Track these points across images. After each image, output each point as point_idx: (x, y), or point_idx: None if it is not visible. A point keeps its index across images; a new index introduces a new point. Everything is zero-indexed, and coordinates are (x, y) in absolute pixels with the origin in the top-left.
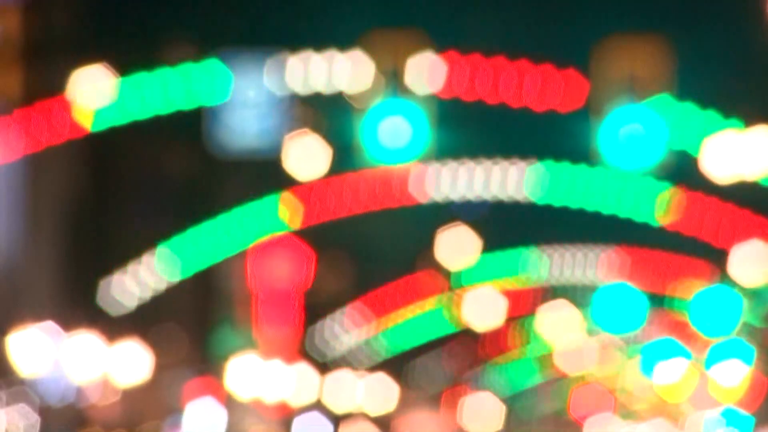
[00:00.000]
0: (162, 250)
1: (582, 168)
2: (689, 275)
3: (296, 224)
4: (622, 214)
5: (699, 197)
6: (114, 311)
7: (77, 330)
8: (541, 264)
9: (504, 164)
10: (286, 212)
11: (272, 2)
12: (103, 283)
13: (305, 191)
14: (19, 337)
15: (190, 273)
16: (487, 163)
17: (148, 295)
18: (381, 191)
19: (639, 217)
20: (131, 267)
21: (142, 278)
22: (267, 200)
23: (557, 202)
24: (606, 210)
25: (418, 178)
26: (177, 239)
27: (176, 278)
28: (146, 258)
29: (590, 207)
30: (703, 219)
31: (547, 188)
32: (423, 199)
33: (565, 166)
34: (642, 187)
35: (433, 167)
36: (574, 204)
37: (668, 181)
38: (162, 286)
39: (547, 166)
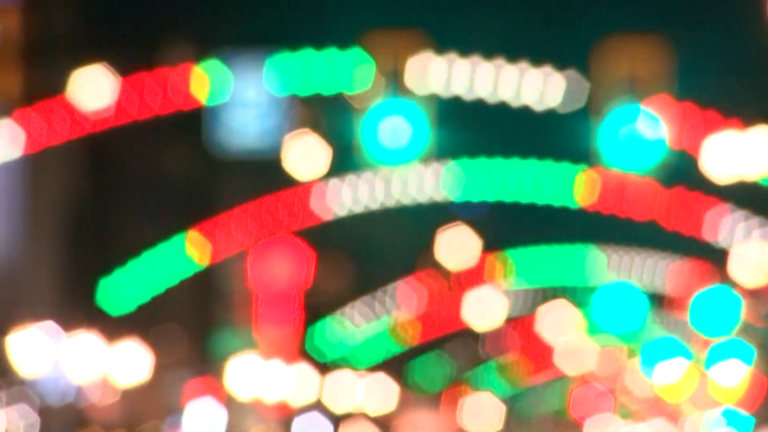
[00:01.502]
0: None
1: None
2: (689, 275)
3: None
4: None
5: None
6: (114, 311)
7: (77, 330)
8: (542, 264)
9: (504, 162)
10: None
11: (272, 2)
12: (103, 283)
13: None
14: (19, 337)
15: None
16: (487, 161)
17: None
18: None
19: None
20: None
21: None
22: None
23: (557, 202)
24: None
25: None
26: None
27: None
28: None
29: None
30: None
31: (547, 188)
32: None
33: (566, 166)
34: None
35: (433, 167)
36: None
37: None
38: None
39: (548, 167)
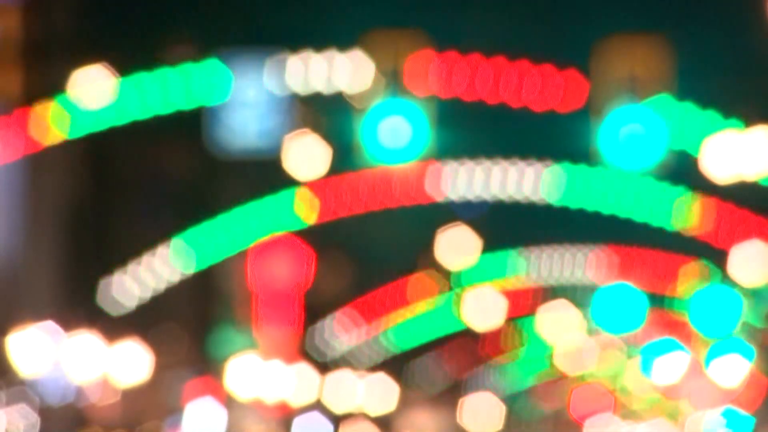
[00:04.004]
0: (175, 243)
1: (582, 168)
2: (689, 275)
3: (311, 220)
4: (622, 214)
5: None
6: (114, 311)
7: (77, 330)
8: (540, 264)
9: (504, 164)
10: (301, 207)
11: (272, 2)
12: (103, 283)
13: (319, 187)
14: (19, 337)
15: (202, 266)
16: (487, 163)
17: (148, 295)
18: (381, 191)
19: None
20: (131, 267)
21: (142, 278)
22: (281, 196)
23: (557, 202)
24: (606, 210)
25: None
26: (190, 233)
27: (188, 272)
28: (146, 258)
29: (590, 207)
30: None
31: (547, 188)
32: (436, 199)
33: (566, 166)
34: (644, 188)
35: (436, 167)
36: (573, 204)
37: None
38: (162, 286)
39: (548, 167)
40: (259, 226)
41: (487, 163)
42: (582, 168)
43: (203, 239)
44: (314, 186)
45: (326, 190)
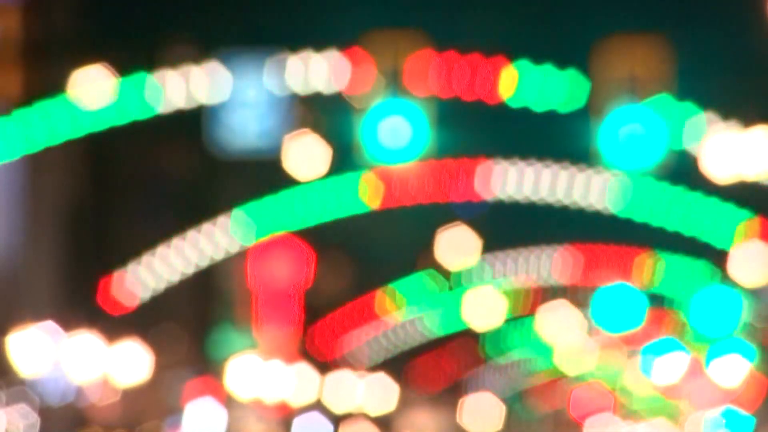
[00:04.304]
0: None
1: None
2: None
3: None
4: (622, 214)
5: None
6: (114, 311)
7: (77, 330)
8: (540, 264)
9: (504, 164)
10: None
11: (272, 2)
12: (103, 283)
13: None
14: (19, 337)
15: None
16: (487, 163)
17: (148, 295)
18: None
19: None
20: (131, 267)
21: (142, 278)
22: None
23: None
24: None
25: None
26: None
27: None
28: (146, 258)
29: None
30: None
31: (548, 188)
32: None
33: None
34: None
35: (439, 166)
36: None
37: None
38: (162, 286)
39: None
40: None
41: (487, 163)
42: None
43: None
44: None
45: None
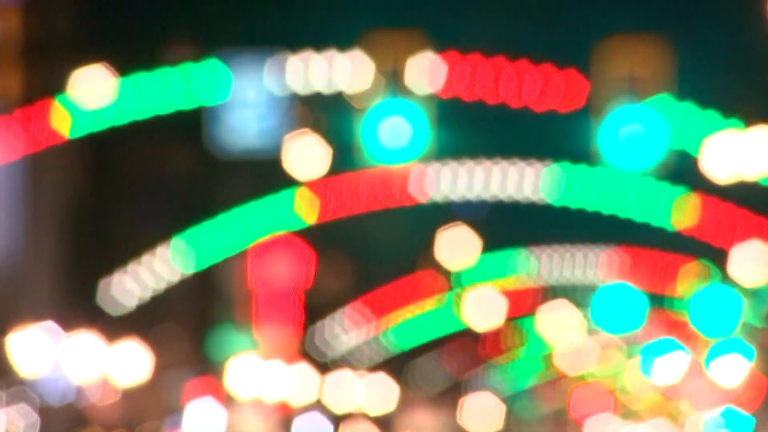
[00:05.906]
0: (175, 243)
1: (583, 168)
2: (689, 275)
3: (311, 220)
4: (622, 214)
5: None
6: (114, 311)
7: (77, 330)
8: (540, 264)
9: (504, 164)
10: (301, 207)
11: (272, 2)
12: (103, 283)
13: (319, 186)
14: (19, 337)
15: (202, 267)
16: (487, 163)
17: (148, 295)
18: (381, 191)
19: (640, 218)
20: (131, 267)
21: (142, 278)
22: (282, 195)
23: (556, 202)
24: (605, 210)
25: (418, 178)
26: (190, 233)
27: (189, 272)
28: (146, 258)
29: (590, 207)
30: (707, 220)
31: (548, 188)
32: (423, 199)
33: (566, 166)
34: (644, 188)
35: (433, 167)
36: (574, 204)
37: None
38: (162, 286)
39: (548, 167)
40: (259, 226)
41: (487, 163)
42: (582, 168)
43: (203, 239)
44: (314, 186)
45: (326, 190)
